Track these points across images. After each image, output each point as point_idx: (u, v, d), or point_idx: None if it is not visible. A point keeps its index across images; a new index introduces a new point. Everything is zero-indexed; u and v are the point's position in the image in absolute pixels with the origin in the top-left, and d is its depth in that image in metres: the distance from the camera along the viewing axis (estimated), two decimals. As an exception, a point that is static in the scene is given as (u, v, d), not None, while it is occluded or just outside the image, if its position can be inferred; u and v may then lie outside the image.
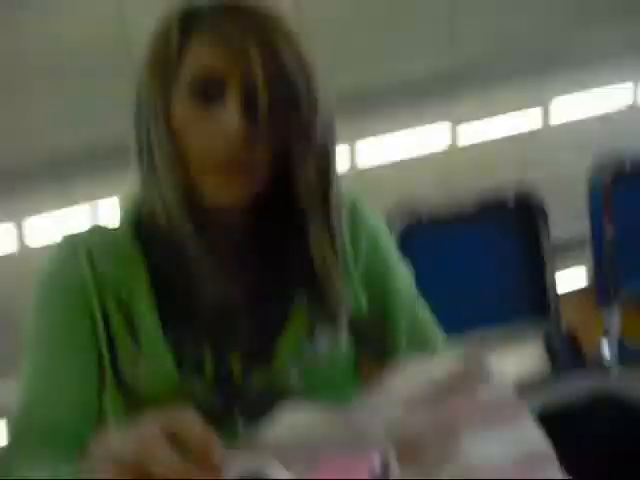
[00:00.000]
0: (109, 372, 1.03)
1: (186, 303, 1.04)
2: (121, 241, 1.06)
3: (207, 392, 1.03)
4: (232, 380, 1.05)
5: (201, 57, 0.97)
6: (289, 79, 0.96)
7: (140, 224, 1.07)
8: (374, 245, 1.15)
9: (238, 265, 1.07)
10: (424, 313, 1.18)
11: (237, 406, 1.04)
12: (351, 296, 1.09)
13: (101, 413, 1.04)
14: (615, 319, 2.49)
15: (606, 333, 2.49)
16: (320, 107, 0.98)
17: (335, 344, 1.08)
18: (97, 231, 1.09)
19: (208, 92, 0.97)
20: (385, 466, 0.63)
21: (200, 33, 0.97)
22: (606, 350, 2.48)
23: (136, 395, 1.04)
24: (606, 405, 0.84)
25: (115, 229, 1.09)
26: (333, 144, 1.03)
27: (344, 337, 1.09)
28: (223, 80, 0.96)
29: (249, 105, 0.96)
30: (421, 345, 1.13)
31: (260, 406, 1.00)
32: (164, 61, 0.99)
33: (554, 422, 0.78)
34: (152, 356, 1.02)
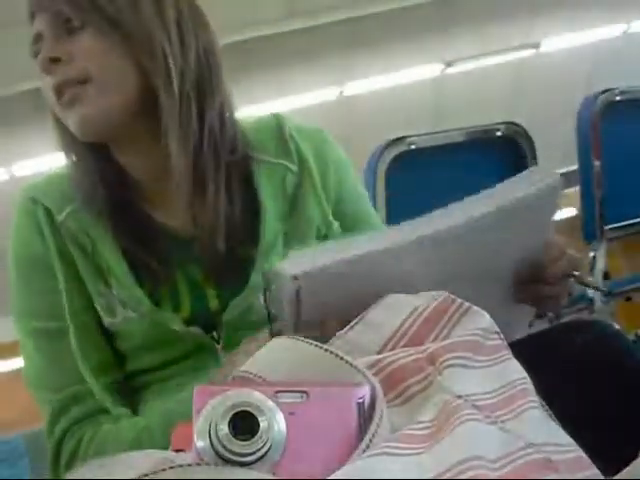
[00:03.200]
0: (89, 322, 1.07)
1: (153, 247, 1.07)
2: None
3: (186, 326, 1.06)
4: (209, 312, 1.08)
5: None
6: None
7: None
8: (343, 174, 1.18)
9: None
10: None
11: (216, 333, 1.07)
12: (323, 221, 1.13)
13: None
14: (601, 255, 2.51)
15: (591, 269, 2.50)
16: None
17: None
18: (54, 181, 1.13)
19: (35, 35, 1.06)
20: (372, 399, 0.63)
21: None
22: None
23: (117, 339, 1.09)
24: (579, 330, 0.85)
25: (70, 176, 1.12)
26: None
27: None
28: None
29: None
30: None
31: (239, 332, 1.03)
32: None
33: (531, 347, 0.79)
34: (129, 303, 1.05)
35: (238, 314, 1.06)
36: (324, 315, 0.79)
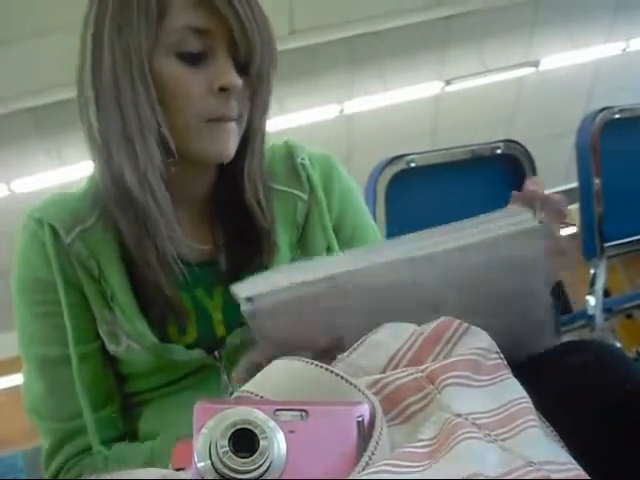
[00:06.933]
0: (93, 350, 1.07)
1: (160, 271, 1.04)
2: (84, 213, 1.06)
3: (189, 349, 1.06)
4: (215, 336, 1.08)
5: (186, 18, 0.99)
6: (266, 39, 1.03)
7: (98, 190, 1.07)
8: (346, 197, 1.18)
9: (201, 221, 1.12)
10: None
11: (218, 353, 1.07)
12: (325, 243, 1.13)
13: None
14: (601, 273, 2.50)
15: (591, 286, 2.50)
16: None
17: None
18: (58, 202, 1.09)
19: (194, 52, 1.00)
20: (372, 417, 0.64)
21: None
22: (591, 303, 2.50)
23: (120, 364, 1.08)
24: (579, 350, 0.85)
25: (76, 196, 1.09)
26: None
27: None
28: (210, 40, 1.00)
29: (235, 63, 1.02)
30: None
31: (241, 352, 0.99)
32: (144, 13, 0.99)
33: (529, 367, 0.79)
34: (132, 336, 1.04)
35: (242, 339, 1.05)
36: (291, 335, 0.80)
